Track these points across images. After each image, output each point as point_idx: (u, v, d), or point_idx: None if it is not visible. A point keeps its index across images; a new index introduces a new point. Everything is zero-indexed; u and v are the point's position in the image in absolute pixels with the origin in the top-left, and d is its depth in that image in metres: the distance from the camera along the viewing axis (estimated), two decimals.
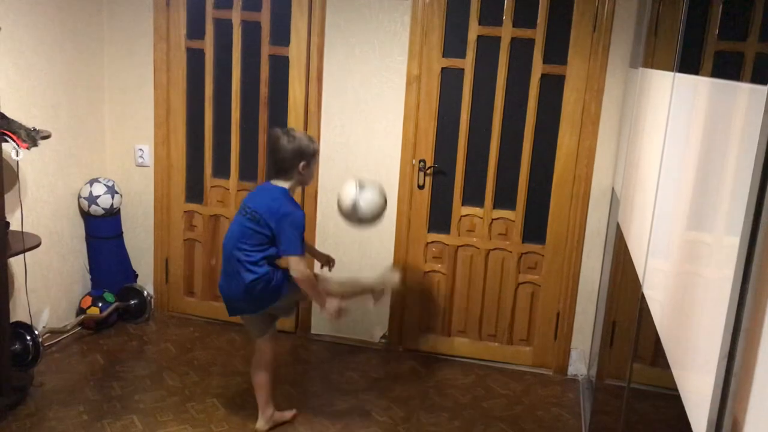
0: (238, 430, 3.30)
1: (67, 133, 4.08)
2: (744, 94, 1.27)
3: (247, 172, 4.31)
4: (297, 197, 4.17)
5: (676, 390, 1.45)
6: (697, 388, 1.30)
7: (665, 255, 1.85)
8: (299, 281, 2.99)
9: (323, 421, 3.43)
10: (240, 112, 4.25)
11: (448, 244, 4.08)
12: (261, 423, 3.29)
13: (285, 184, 3.05)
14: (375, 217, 3.24)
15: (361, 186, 3.18)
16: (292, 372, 3.91)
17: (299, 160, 3.01)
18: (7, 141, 3.22)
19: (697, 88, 1.72)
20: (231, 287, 3.08)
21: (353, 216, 3.20)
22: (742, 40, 1.44)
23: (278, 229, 2.95)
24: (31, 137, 3.31)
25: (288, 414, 3.39)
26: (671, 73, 2.04)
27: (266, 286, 3.01)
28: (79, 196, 4.22)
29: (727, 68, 1.55)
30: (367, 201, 3.17)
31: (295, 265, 2.96)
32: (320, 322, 4.34)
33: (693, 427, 1.27)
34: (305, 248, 3.07)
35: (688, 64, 1.87)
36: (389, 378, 3.92)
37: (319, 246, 4.23)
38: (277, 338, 3.33)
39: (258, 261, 2.99)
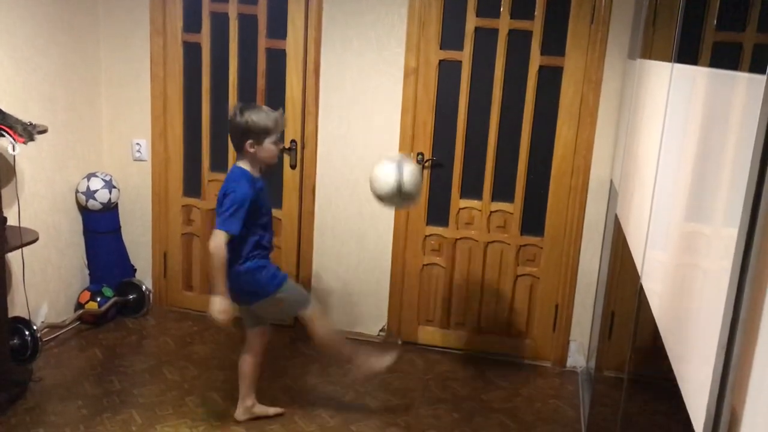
0: (237, 423, 3.30)
1: (64, 128, 4.07)
2: (742, 83, 1.27)
3: None
4: (295, 191, 4.18)
5: (675, 381, 1.45)
6: (695, 379, 1.30)
7: (663, 246, 1.85)
8: (211, 252, 2.87)
9: (322, 414, 3.43)
10: None
11: (446, 237, 4.08)
12: (239, 412, 3.30)
13: (243, 164, 2.97)
14: (419, 191, 3.07)
15: (399, 163, 2.97)
16: (290, 365, 3.91)
17: (245, 138, 2.90)
18: (3, 136, 3.21)
19: (695, 78, 1.71)
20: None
21: (396, 196, 2.98)
22: (740, 30, 1.43)
23: (221, 202, 2.89)
24: (28, 132, 3.30)
25: (272, 410, 3.34)
26: (669, 64, 2.03)
27: (243, 274, 2.98)
28: (77, 191, 4.21)
29: (725, 59, 1.54)
30: (411, 173, 2.96)
31: (213, 237, 2.86)
32: None
33: (691, 417, 1.27)
34: (238, 229, 2.88)
35: (687, 55, 1.86)
36: (388, 371, 3.91)
37: (317, 239, 4.23)
38: (268, 334, 3.30)
39: (235, 246, 2.93)
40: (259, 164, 3.00)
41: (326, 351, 3.40)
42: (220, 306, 2.92)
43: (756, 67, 1.18)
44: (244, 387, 3.29)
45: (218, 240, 2.86)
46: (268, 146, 2.94)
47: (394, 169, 2.96)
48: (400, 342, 4.23)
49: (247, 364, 3.26)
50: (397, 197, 2.98)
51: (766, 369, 1.03)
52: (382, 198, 3.02)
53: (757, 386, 1.05)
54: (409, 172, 2.96)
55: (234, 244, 2.92)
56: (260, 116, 2.89)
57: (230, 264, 2.95)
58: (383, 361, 3.36)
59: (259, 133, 2.89)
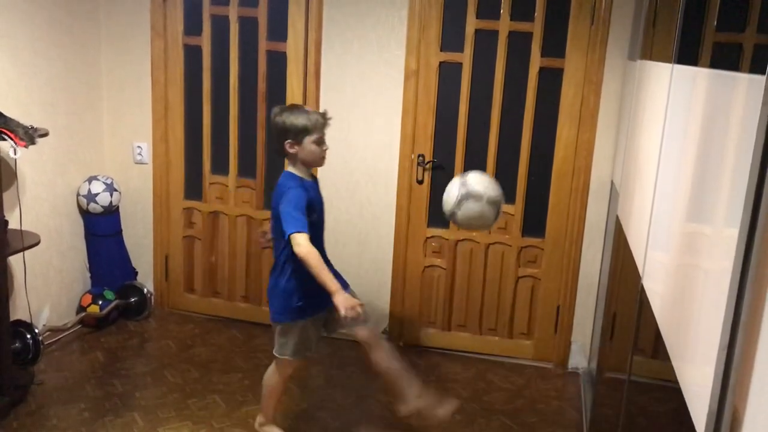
0: (240, 426, 3.30)
1: (65, 131, 4.07)
2: (742, 84, 1.27)
3: (246, 168, 4.31)
4: None
5: (677, 382, 1.45)
6: (697, 380, 1.30)
7: (664, 247, 1.85)
8: (302, 258, 2.63)
9: (324, 416, 3.43)
10: (238, 108, 4.24)
11: (447, 239, 4.08)
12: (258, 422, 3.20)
13: (290, 167, 2.85)
14: (478, 223, 2.89)
15: (464, 194, 2.78)
16: None
17: (284, 138, 2.78)
18: (5, 139, 3.22)
19: (695, 79, 1.72)
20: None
21: (451, 217, 2.86)
22: (740, 31, 1.43)
23: (281, 212, 2.71)
24: (29, 135, 3.30)
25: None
26: (669, 65, 2.03)
27: (276, 288, 2.88)
28: (78, 194, 4.21)
29: (725, 59, 1.54)
30: (467, 213, 2.80)
31: (296, 240, 2.63)
32: None
33: (693, 418, 1.27)
34: (307, 226, 2.70)
35: (687, 56, 1.86)
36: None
37: None
38: (289, 368, 3.05)
39: (291, 257, 2.76)
40: (304, 166, 2.85)
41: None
42: (344, 302, 2.60)
43: (756, 68, 1.18)
44: (264, 404, 3.15)
45: (301, 242, 2.63)
46: (309, 146, 2.80)
47: (458, 177, 2.88)
48: (401, 344, 4.23)
49: (265, 386, 3.11)
50: (470, 201, 2.77)
51: (767, 369, 1.03)
52: (461, 211, 2.82)
53: (758, 387, 1.05)
54: (476, 174, 2.85)
55: (289, 253, 2.75)
56: (298, 116, 2.78)
57: (279, 273, 2.85)
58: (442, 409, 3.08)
59: (297, 133, 2.77)
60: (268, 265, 4.36)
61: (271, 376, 3.08)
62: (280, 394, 3.18)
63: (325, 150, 2.88)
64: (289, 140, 2.78)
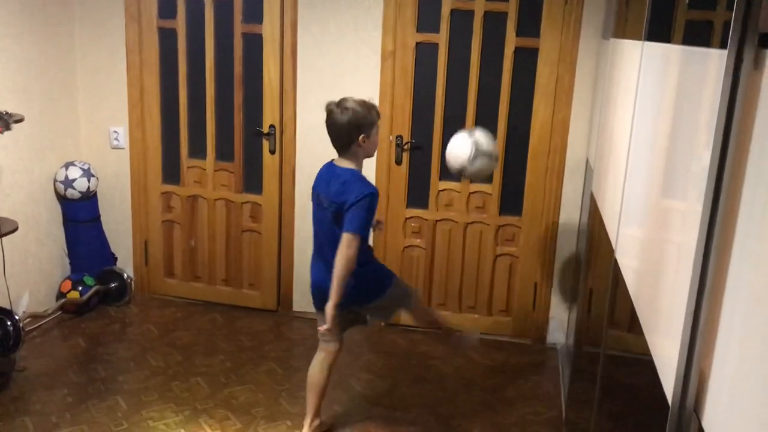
0: (223, 407, 3.33)
1: (41, 117, 4.04)
2: (706, 59, 1.30)
3: (224, 151, 4.30)
4: (274, 176, 4.19)
5: (650, 355, 1.50)
6: (666, 347, 1.35)
7: (636, 222, 1.90)
8: (342, 257, 2.72)
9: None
10: (215, 91, 4.23)
11: (426, 219, 4.12)
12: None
13: (351, 164, 2.83)
14: (482, 175, 3.13)
15: (476, 151, 2.95)
16: (275, 349, 3.94)
17: (357, 133, 2.76)
18: None
19: (664, 55, 1.75)
20: (324, 279, 2.87)
21: (460, 172, 3.03)
22: (712, 8, 1.47)
23: (351, 209, 2.72)
24: (4, 121, 3.28)
25: None
26: (640, 42, 2.07)
27: (366, 274, 2.90)
28: (55, 180, 4.19)
29: (696, 37, 1.57)
30: (477, 167, 2.98)
31: (348, 241, 2.70)
32: (302, 300, 4.36)
33: (664, 386, 1.32)
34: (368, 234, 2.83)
35: (659, 34, 1.90)
36: (371, 352, 3.96)
37: (299, 224, 4.25)
38: (344, 346, 3.14)
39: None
40: (363, 159, 2.87)
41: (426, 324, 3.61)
42: (330, 313, 2.76)
43: (725, 45, 1.22)
44: (311, 401, 3.11)
45: (352, 245, 2.72)
46: (375, 138, 2.84)
47: (466, 134, 3.01)
48: (382, 324, 4.27)
49: (316, 375, 3.09)
50: (480, 158, 2.96)
51: (730, 333, 1.07)
52: (467, 164, 2.98)
53: (722, 351, 1.10)
54: (481, 132, 3.02)
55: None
56: (364, 108, 2.78)
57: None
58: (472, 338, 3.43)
59: (370, 125, 2.79)
60: (248, 248, 4.38)
61: (325, 356, 3.09)
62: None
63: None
64: (363, 134, 2.78)
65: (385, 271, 3.08)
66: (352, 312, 3.04)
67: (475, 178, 3.11)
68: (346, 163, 2.84)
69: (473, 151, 2.95)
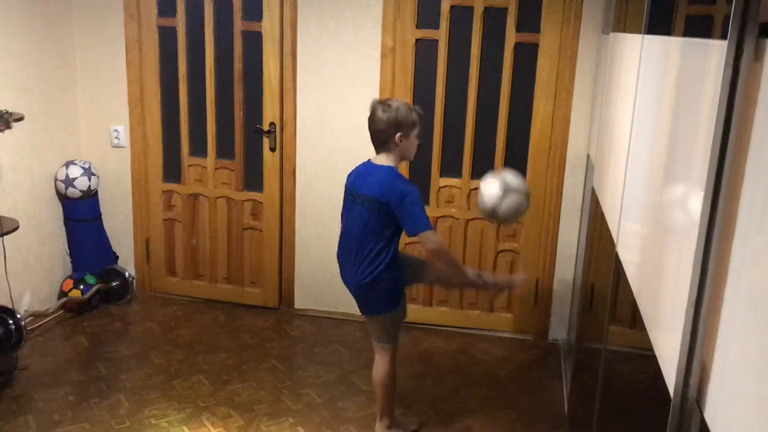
0: (225, 404, 3.33)
1: (41, 116, 4.04)
2: (706, 50, 1.30)
3: (224, 149, 4.30)
4: (275, 174, 4.19)
5: (652, 350, 1.49)
6: (667, 340, 1.35)
7: (637, 217, 1.89)
8: (437, 253, 2.90)
9: (309, 392, 3.47)
10: (215, 89, 4.22)
11: (427, 216, 4.10)
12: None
13: (388, 161, 2.86)
14: (516, 214, 3.07)
15: (505, 189, 2.97)
16: (277, 346, 3.95)
17: (395, 131, 2.81)
18: None
19: (663, 48, 1.75)
20: (355, 278, 2.91)
21: (492, 212, 3.02)
22: (711, 2, 1.46)
23: (400, 210, 2.77)
24: (4, 119, 3.28)
25: (411, 427, 3.21)
26: (640, 36, 2.07)
27: (384, 282, 2.87)
28: (56, 179, 4.19)
29: (696, 30, 1.57)
30: (509, 205, 2.98)
31: (429, 237, 2.79)
32: (303, 297, 4.36)
33: (665, 376, 1.32)
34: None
35: (658, 27, 1.89)
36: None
37: (299, 222, 4.25)
38: (396, 352, 3.05)
39: (384, 249, 2.84)
40: (401, 159, 2.92)
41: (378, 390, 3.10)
42: (481, 275, 3.07)
43: (725, 36, 1.21)
44: (380, 408, 3.09)
45: (434, 238, 2.85)
46: (413, 140, 2.89)
47: (493, 175, 3.05)
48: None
49: (378, 387, 3.05)
50: (510, 195, 2.97)
51: (731, 325, 1.07)
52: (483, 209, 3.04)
53: (723, 342, 1.10)
54: (509, 172, 3.06)
55: (382, 247, 2.84)
56: (407, 109, 2.84)
57: (378, 267, 2.85)
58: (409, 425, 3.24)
59: (410, 126, 2.84)
60: (249, 246, 4.38)
61: (385, 371, 3.01)
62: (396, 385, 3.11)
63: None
64: (401, 132, 2.82)
65: (402, 287, 2.99)
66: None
67: (508, 218, 3.06)
68: (383, 160, 2.88)
69: (503, 189, 2.97)
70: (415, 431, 3.21)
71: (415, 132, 2.87)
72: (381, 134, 2.85)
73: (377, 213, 2.81)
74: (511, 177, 3.01)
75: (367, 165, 2.94)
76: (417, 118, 2.86)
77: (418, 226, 2.78)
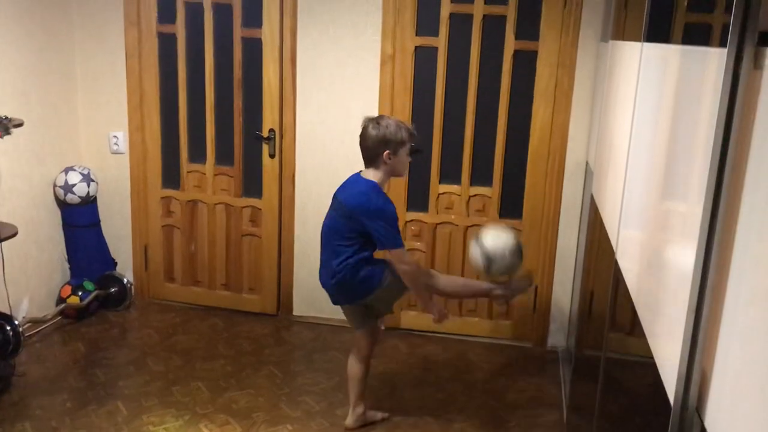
0: (224, 411, 3.32)
1: (40, 122, 4.04)
2: (706, 57, 1.30)
3: (224, 156, 4.30)
4: (274, 180, 4.19)
5: (652, 357, 1.49)
6: (667, 347, 1.34)
7: (636, 224, 1.89)
8: (405, 275, 2.94)
9: (308, 400, 3.46)
10: (214, 95, 4.23)
11: (426, 222, 4.11)
12: (350, 420, 3.23)
13: (374, 177, 2.92)
14: (511, 271, 3.15)
15: (489, 259, 3.08)
16: (276, 353, 3.94)
17: (383, 148, 2.86)
18: None
19: (663, 56, 1.75)
20: (324, 277, 3.06)
21: (492, 264, 3.10)
22: (710, 11, 1.47)
23: (371, 225, 2.85)
24: (4, 125, 3.28)
25: (379, 415, 3.31)
26: (639, 44, 2.07)
27: (353, 277, 2.95)
28: (55, 185, 4.19)
29: (695, 38, 1.57)
30: (500, 271, 3.11)
31: (399, 256, 2.90)
32: (302, 304, 4.36)
33: (665, 384, 1.31)
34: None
35: (658, 36, 1.90)
36: (372, 356, 3.94)
37: (298, 228, 4.25)
38: (377, 334, 3.25)
39: (350, 255, 2.93)
40: (390, 176, 2.99)
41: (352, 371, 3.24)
42: (436, 308, 3.14)
43: (724, 44, 1.21)
44: (353, 392, 3.22)
45: (404, 258, 2.94)
46: (404, 157, 2.94)
47: (474, 243, 3.16)
48: (383, 327, 4.26)
49: (354, 367, 3.20)
50: (496, 262, 3.09)
51: (731, 333, 1.07)
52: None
53: (724, 350, 1.10)
54: (488, 234, 3.14)
55: (347, 246, 2.93)
56: (396, 127, 2.89)
57: (332, 265, 2.96)
58: (375, 415, 3.32)
59: (397, 143, 2.88)
60: (248, 253, 4.37)
61: (358, 349, 3.21)
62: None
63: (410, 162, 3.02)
64: (388, 150, 2.87)
65: (375, 273, 3.03)
66: (360, 306, 3.11)
67: (508, 272, 3.16)
68: (369, 175, 2.94)
69: (485, 261, 3.09)
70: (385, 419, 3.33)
71: (404, 150, 2.92)
72: (370, 151, 2.92)
73: (345, 220, 2.91)
74: (491, 241, 3.08)
75: (356, 176, 3.01)
76: (407, 136, 2.91)
77: (387, 242, 2.87)
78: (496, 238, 3.10)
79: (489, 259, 3.06)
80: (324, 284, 3.08)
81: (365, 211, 2.86)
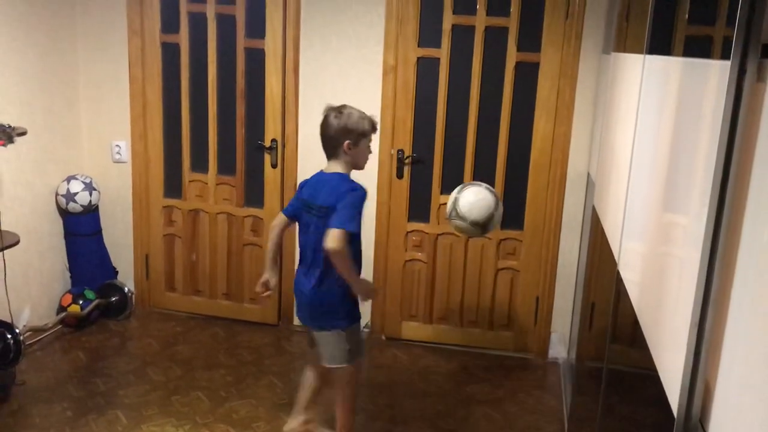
0: (224, 422, 3.31)
1: (43, 130, 4.05)
2: (709, 70, 1.31)
3: (226, 165, 4.31)
4: (276, 190, 4.19)
5: (654, 369, 1.49)
6: (670, 359, 1.34)
7: (639, 236, 1.89)
8: (331, 254, 2.64)
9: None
10: (217, 105, 4.24)
11: (428, 233, 4.12)
12: (288, 426, 3.14)
13: (339, 168, 2.81)
14: (483, 216, 3.09)
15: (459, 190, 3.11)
16: (276, 363, 3.93)
17: (344, 139, 2.76)
18: None
19: (665, 68, 1.76)
20: (308, 284, 2.84)
21: (462, 220, 3.08)
22: (711, 23, 1.47)
23: (338, 206, 2.69)
24: (7, 134, 3.29)
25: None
26: (641, 56, 2.08)
27: (333, 295, 2.81)
28: (57, 194, 4.19)
29: (697, 50, 1.58)
30: (468, 201, 3.08)
31: (334, 236, 2.62)
32: None
33: (668, 395, 1.31)
34: (358, 230, 2.77)
35: (659, 49, 1.91)
36: (373, 366, 3.95)
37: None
38: (356, 374, 2.97)
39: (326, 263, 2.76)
40: (352, 167, 2.85)
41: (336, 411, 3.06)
42: (368, 287, 2.94)
43: (727, 56, 1.22)
44: (303, 399, 3.12)
45: (338, 239, 2.62)
46: (364, 149, 2.85)
47: (454, 194, 3.18)
48: (384, 338, 4.26)
49: (313, 375, 3.10)
50: (455, 220, 3.13)
51: (735, 344, 1.07)
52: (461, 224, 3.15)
53: (727, 363, 1.09)
54: (469, 192, 3.15)
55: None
56: (358, 117, 2.80)
57: (329, 274, 2.78)
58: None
59: (358, 134, 2.79)
60: (249, 262, 4.37)
61: (342, 398, 2.97)
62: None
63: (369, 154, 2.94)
64: (349, 140, 2.78)
65: (356, 308, 2.92)
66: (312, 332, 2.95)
67: (499, 220, 3.20)
68: (333, 168, 2.84)
69: (450, 210, 3.16)
70: None
71: (365, 141, 2.83)
72: (331, 140, 2.81)
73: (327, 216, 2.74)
74: (465, 201, 3.12)
75: (319, 175, 2.89)
76: (369, 127, 2.82)
77: (337, 221, 2.65)
78: (475, 201, 3.08)
79: (481, 226, 3.10)
80: (302, 295, 2.90)
81: (340, 197, 2.70)
